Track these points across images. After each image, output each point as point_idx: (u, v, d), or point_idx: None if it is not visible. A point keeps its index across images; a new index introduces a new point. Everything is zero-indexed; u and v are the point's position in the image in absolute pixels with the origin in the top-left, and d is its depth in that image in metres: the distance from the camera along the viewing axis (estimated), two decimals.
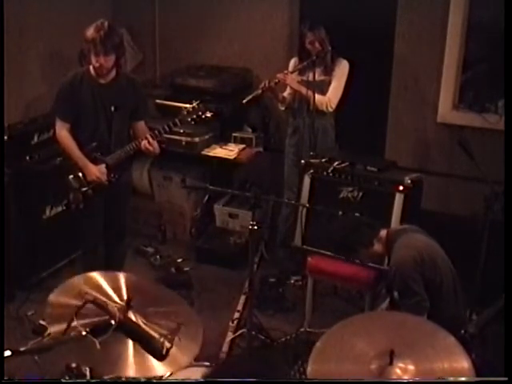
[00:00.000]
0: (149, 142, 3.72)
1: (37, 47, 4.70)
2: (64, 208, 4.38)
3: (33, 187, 4.34)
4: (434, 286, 3.05)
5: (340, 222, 3.28)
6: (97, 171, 3.75)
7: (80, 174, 3.78)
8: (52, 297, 2.19)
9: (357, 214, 3.53)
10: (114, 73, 3.73)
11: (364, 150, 4.56)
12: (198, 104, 3.77)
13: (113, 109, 3.74)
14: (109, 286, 2.24)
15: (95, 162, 3.77)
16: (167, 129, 3.76)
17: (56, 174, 4.25)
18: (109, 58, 3.61)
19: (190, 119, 3.76)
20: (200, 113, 3.76)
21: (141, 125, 3.89)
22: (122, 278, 2.31)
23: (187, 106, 3.83)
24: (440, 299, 3.07)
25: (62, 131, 3.79)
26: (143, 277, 4.48)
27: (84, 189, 3.79)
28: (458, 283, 3.17)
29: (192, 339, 2.18)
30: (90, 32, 3.55)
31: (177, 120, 3.75)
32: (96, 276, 2.30)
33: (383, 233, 3.23)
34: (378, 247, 3.22)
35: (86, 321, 1.95)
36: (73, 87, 3.73)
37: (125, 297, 2.19)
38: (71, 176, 3.80)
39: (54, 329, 2.04)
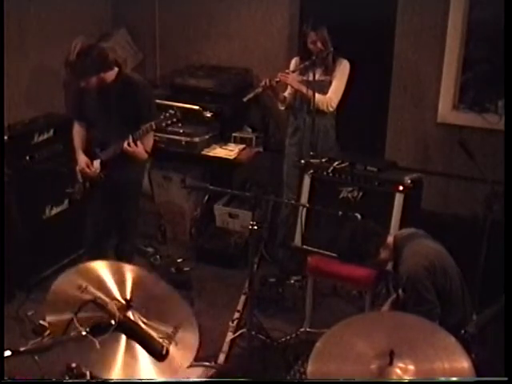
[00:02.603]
0: (128, 143, 3.74)
1: (37, 47, 4.70)
2: (68, 199, 4.53)
3: (33, 187, 4.34)
4: (445, 292, 3.04)
5: (346, 230, 3.24)
6: (83, 162, 3.87)
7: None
8: (55, 284, 2.17)
9: (356, 214, 3.53)
10: (109, 76, 3.74)
11: (364, 150, 4.56)
12: (175, 112, 3.78)
13: (112, 110, 3.78)
14: (112, 278, 2.20)
15: (94, 156, 3.88)
16: (144, 131, 3.77)
17: (56, 174, 4.26)
18: (87, 80, 3.67)
19: (164, 124, 3.78)
20: (174, 119, 3.77)
21: (147, 127, 3.87)
22: (128, 271, 2.25)
23: (187, 105, 3.85)
24: (450, 304, 3.06)
25: (75, 127, 4.01)
26: None
27: (81, 180, 3.94)
28: (465, 287, 3.17)
29: (190, 340, 2.17)
30: (65, 59, 3.62)
31: (153, 123, 3.75)
32: (100, 267, 2.24)
33: (390, 240, 3.19)
34: (384, 255, 3.17)
35: (86, 315, 1.95)
36: (79, 90, 3.83)
37: (128, 292, 2.16)
38: (77, 167, 3.94)
39: (53, 318, 2.04)
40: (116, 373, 2.05)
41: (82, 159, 3.90)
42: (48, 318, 2.06)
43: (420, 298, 2.98)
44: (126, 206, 4.11)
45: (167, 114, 3.77)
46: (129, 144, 3.73)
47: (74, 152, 3.96)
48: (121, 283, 2.19)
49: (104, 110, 3.81)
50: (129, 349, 2.06)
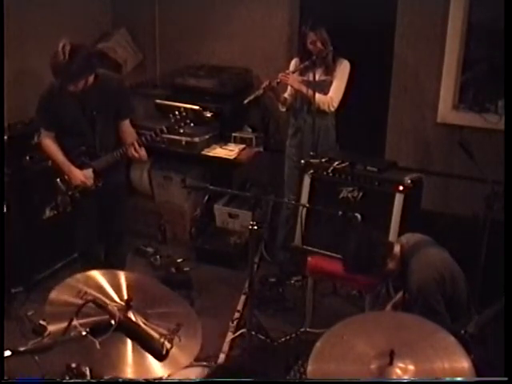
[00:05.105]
0: (135, 149, 3.71)
1: (37, 46, 4.70)
2: (54, 211, 4.40)
3: (33, 187, 4.34)
4: (453, 300, 3.02)
5: (351, 242, 3.18)
6: (81, 175, 3.76)
7: (66, 177, 3.80)
8: (52, 295, 2.18)
9: (356, 214, 3.53)
10: (91, 78, 3.64)
11: (364, 150, 4.56)
12: (185, 112, 3.75)
13: (94, 113, 3.70)
14: (109, 284, 2.24)
15: (82, 166, 3.78)
16: (154, 136, 3.76)
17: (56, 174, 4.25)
18: (79, 82, 3.55)
19: (176, 127, 3.76)
20: (188, 121, 3.75)
21: (126, 124, 3.85)
22: (122, 276, 2.30)
23: (187, 105, 3.82)
24: (457, 311, 3.05)
25: (46, 140, 3.84)
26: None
27: (70, 192, 3.83)
28: (470, 292, 3.16)
29: (191, 339, 2.18)
30: (51, 62, 3.48)
31: (164, 127, 3.74)
32: (96, 274, 2.29)
33: (397, 249, 3.14)
34: (392, 265, 3.13)
35: (86, 320, 1.95)
36: (52, 97, 3.71)
37: (125, 296, 2.19)
38: (59, 179, 3.83)
39: (53, 327, 2.04)
40: (126, 372, 2.05)
41: (77, 173, 3.75)
42: (50, 328, 2.05)
43: (430, 310, 2.94)
44: (120, 208, 4.11)
45: (178, 117, 3.72)
46: (135, 149, 3.70)
47: (57, 165, 3.82)
48: (117, 288, 2.22)
49: (87, 114, 3.71)
50: (136, 347, 2.06)
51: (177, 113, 3.74)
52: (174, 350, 2.00)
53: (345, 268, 3.22)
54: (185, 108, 3.85)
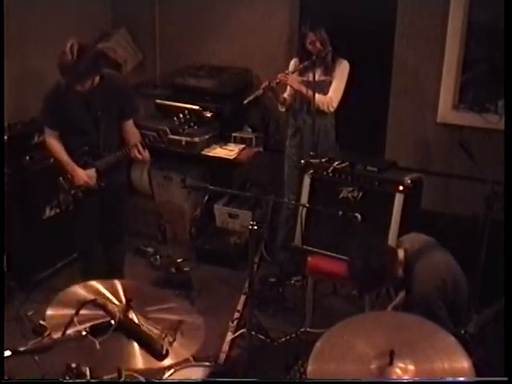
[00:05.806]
0: (138, 151, 3.72)
1: (37, 46, 4.70)
2: (56, 209, 4.42)
3: (33, 187, 4.34)
4: (454, 305, 3.01)
5: (358, 253, 3.13)
6: (84, 175, 3.76)
7: (70, 176, 3.80)
8: (50, 310, 2.18)
9: (356, 215, 3.53)
10: (97, 78, 3.65)
11: (364, 150, 4.56)
12: (189, 114, 3.76)
13: (99, 113, 3.70)
14: (107, 291, 2.26)
15: (85, 166, 3.79)
16: (157, 137, 3.77)
17: (56, 174, 4.25)
18: (86, 82, 3.56)
19: (181, 130, 3.77)
20: (192, 123, 3.75)
21: (129, 124, 3.85)
22: (118, 284, 2.32)
23: (187, 106, 3.82)
24: (458, 315, 3.04)
25: (50, 139, 3.83)
26: (143, 277, 4.54)
27: (73, 191, 3.83)
28: (471, 292, 3.15)
29: (193, 333, 2.18)
30: (59, 62, 3.47)
31: (167, 129, 3.74)
32: (94, 284, 2.31)
33: (401, 255, 3.11)
34: (400, 272, 3.09)
35: (86, 325, 1.95)
36: (57, 96, 3.71)
37: (123, 300, 2.20)
38: (61, 178, 3.83)
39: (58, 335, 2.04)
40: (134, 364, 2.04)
41: (80, 173, 3.75)
42: (55, 336, 2.05)
43: (432, 316, 2.93)
44: (121, 207, 4.11)
45: (182, 120, 3.72)
46: (138, 151, 3.70)
47: (60, 164, 3.81)
48: (116, 294, 2.25)
49: (91, 113, 3.71)
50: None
51: (181, 115, 3.74)
52: (176, 344, 2.00)
53: (352, 279, 3.19)
54: (188, 110, 3.84)
